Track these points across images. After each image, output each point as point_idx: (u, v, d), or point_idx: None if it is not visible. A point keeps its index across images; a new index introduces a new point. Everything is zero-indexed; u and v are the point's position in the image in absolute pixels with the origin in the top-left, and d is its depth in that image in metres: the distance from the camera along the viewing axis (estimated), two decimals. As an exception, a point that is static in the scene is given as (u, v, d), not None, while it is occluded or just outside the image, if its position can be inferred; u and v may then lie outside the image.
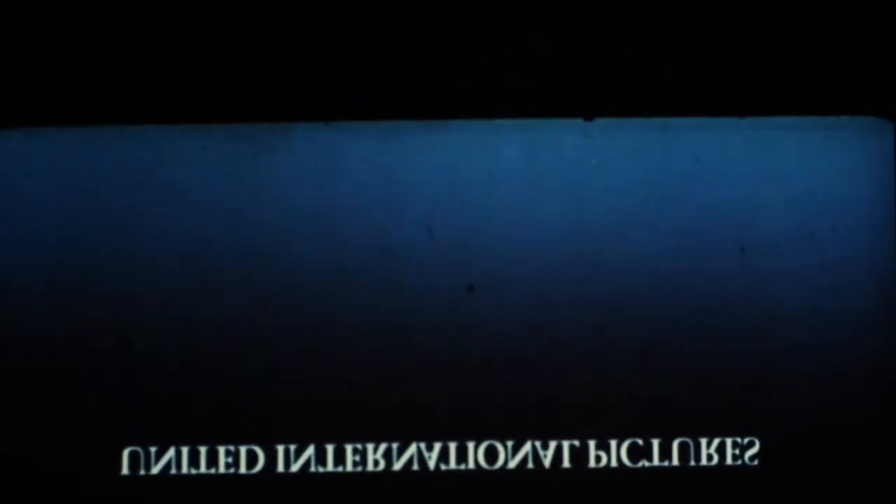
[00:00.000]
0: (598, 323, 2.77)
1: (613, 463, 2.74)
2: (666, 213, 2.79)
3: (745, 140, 2.80)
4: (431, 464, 2.75)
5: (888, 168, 2.77)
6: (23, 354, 2.76)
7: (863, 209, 2.78)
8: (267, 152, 2.82)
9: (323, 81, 2.79)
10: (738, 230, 2.78)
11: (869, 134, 2.79)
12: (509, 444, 2.75)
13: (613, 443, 2.75)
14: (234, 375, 2.77)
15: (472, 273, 2.79)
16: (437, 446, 2.75)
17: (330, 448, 2.76)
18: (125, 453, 2.75)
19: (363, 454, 2.76)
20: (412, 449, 2.76)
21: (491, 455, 2.75)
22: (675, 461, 2.74)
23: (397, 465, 2.76)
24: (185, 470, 2.75)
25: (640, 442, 2.74)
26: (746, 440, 2.74)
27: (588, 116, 2.79)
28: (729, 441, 2.74)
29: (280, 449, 2.75)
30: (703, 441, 2.75)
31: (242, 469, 2.75)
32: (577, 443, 2.75)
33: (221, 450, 2.75)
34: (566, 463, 2.74)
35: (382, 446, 2.76)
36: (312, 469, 2.75)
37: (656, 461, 2.74)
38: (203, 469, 2.75)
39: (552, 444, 2.75)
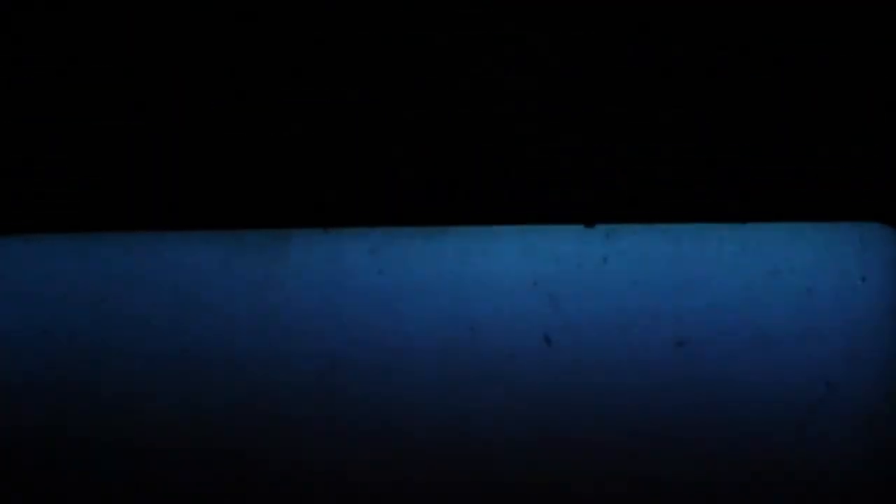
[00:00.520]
0: (599, 429, 2.75)
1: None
2: (665, 318, 2.78)
3: (746, 246, 2.79)
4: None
5: (891, 275, 2.76)
6: (15, 461, 2.76)
7: (864, 316, 2.76)
8: (266, 258, 2.82)
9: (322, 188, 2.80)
10: (737, 332, 2.77)
11: (871, 240, 2.78)
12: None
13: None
14: (225, 479, 2.76)
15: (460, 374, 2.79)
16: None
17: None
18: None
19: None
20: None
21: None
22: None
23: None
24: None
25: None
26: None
27: (588, 223, 2.78)
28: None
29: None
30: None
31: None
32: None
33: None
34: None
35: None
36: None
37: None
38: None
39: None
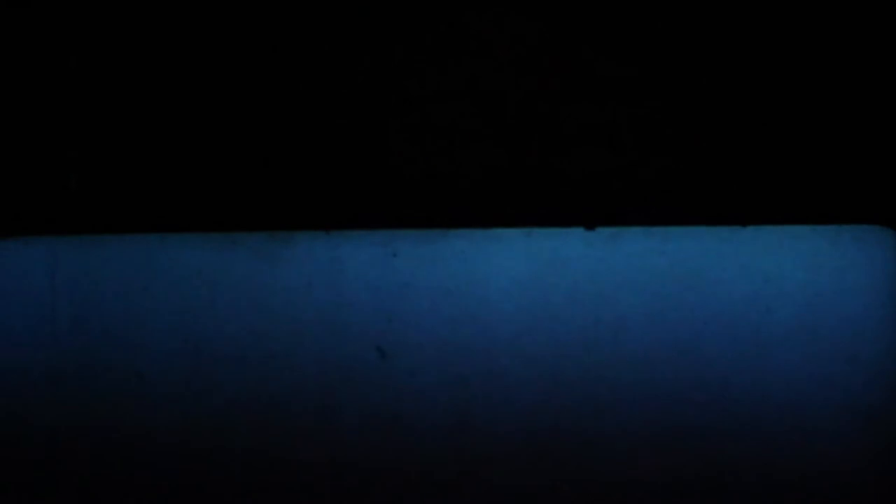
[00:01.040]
0: (600, 434, 2.76)
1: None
2: (666, 322, 2.79)
3: (746, 249, 2.80)
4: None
5: (890, 277, 2.77)
6: (12, 461, 2.76)
7: (863, 318, 2.78)
8: (267, 260, 2.81)
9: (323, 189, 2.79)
10: (736, 337, 2.78)
11: (870, 243, 2.79)
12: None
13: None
14: (233, 482, 2.76)
15: (467, 377, 2.79)
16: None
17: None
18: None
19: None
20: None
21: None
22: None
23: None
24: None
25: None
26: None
27: (590, 226, 2.79)
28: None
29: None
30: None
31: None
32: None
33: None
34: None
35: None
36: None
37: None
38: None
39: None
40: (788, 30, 2.77)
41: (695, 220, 2.78)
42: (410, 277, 2.81)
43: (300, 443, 2.78)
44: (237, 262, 2.82)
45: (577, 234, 2.80)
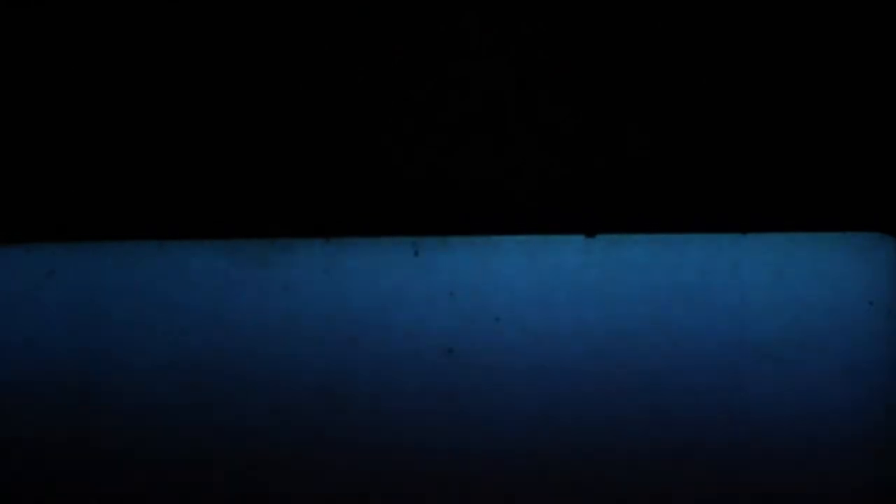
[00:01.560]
0: (601, 444, 2.73)
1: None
2: (666, 330, 2.77)
3: (746, 256, 2.79)
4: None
5: (892, 284, 2.76)
6: (16, 466, 2.73)
7: (864, 326, 2.76)
8: (267, 267, 2.81)
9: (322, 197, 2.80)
10: (735, 344, 2.76)
11: (872, 250, 2.78)
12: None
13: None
14: (234, 490, 2.73)
15: (476, 388, 2.77)
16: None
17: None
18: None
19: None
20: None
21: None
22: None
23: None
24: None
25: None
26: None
27: (590, 233, 2.79)
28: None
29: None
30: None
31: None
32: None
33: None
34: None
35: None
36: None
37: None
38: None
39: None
40: (787, 36, 2.79)
41: (695, 227, 2.78)
42: (409, 284, 2.80)
43: (301, 452, 2.75)
44: (236, 268, 2.81)
45: (576, 241, 2.80)
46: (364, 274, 2.80)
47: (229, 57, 2.82)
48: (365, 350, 2.78)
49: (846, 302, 2.77)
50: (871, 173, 2.76)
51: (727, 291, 2.78)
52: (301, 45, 2.82)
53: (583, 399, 2.75)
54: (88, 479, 2.73)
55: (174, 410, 2.76)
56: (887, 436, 2.72)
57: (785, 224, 2.77)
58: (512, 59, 2.79)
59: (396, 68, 2.80)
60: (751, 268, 2.79)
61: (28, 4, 2.80)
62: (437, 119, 2.80)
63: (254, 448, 2.74)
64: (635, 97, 2.79)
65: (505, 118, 2.79)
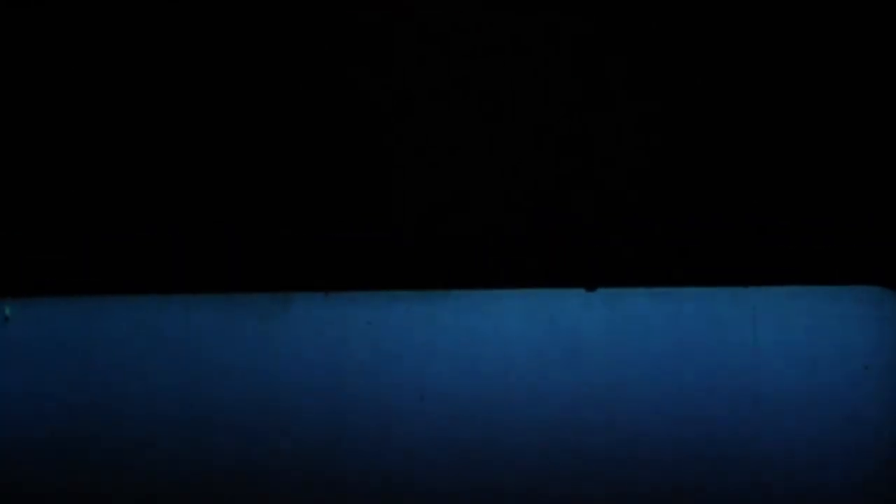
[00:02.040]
0: (598, 497, 2.76)
1: None
2: (666, 382, 2.78)
3: (747, 309, 2.78)
4: None
5: (891, 338, 2.76)
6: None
7: (864, 378, 2.77)
8: (267, 321, 2.81)
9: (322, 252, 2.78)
10: (738, 399, 2.77)
11: (872, 303, 2.78)
12: None
13: None
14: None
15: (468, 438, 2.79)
16: None
17: None
18: None
19: None
20: None
21: None
22: None
23: None
24: None
25: None
26: None
27: (590, 286, 2.77)
28: None
29: None
30: None
31: None
32: None
33: None
34: None
35: None
36: None
37: None
38: None
39: None
40: (786, 92, 2.74)
41: (697, 280, 2.76)
42: (410, 338, 2.80)
43: (301, 502, 2.79)
44: (237, 322, 2.81)
45: (577, 294, 2.79)
46: (364, 327, 2.80)
47: (223, 126, 2.78)
48: (363, 400, 2.80)
49: (847, 354, 2.77)
50: (870, 227, 2.74)
51: (728, 344, 2.78)
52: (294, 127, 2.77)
53: (587, 450, 2.78)
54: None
55: (171, 459, 2.79)
56: (888, 488, 2.75)
57: (787, 277, 2.76)
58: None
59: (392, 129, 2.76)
60: (753, 320, 2.78)
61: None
62: (434, 179, 2.77)
63: (254, 494, 2.78)
64: (631, 153, 2.76)
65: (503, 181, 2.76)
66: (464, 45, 2.62)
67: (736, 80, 2.73)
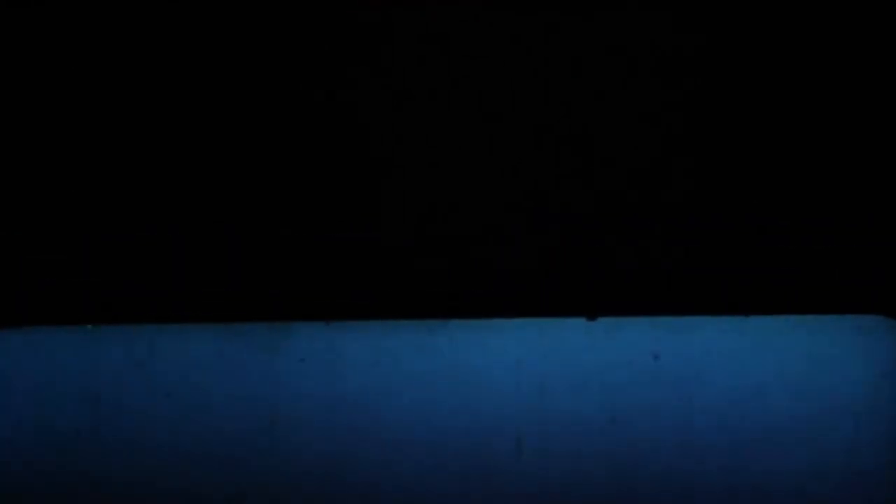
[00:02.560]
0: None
1: None
2: (667, 413, 2.77)
3: (747, 339, 2.78)
4: None
5: (892, 368, 2.76)
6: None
7: (864, 409, 2.76)
8: (267, 351, 2.80)
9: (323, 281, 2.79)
10: (736, 432, 2.76)
11: (871, 332, 2.78)
12: None
13: None
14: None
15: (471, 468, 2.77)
16: None
17: None
18: None
19: None
20: None
21: None
22: None
23: None
24: None
25: None
26: None
27: (591, 315, 2.77)
28: None
29: None
30: None
31: None
32: None
33: None
34: None
35: None
36: None
37: None
38: None
39: None
40: (788, 107, 2.78)
41: (696, 310, 2.77)
42: (410, 368, 2.79)
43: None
44: (236, 352, 2.80)
45: (578, 324, 2.79)
46: (364, 357, 2.80)
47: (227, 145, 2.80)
48: (366, 432, 2.78)
49: (847, 384, 2.77)
50: (871, 256, 2.75)
51: (728, 374, 2.77)
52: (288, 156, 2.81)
53: (589, 482, 2.76)
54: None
55: (165, 494, 2.76)
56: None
57: (786, 306, 2.76)
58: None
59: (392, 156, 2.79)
60: (753, 350, 2.78)
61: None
62: (434, 210, 2.79)
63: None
64: (640, 184, 2.78)
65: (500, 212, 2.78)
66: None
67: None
